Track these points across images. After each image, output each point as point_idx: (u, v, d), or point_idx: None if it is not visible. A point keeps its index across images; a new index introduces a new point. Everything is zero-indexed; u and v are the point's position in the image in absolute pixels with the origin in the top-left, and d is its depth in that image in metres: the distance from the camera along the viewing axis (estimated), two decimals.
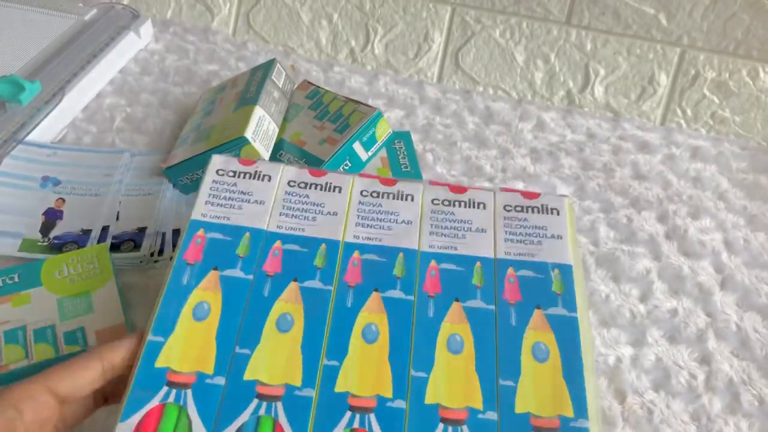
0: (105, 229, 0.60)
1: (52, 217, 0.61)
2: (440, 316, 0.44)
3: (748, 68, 0.76)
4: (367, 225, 0.49)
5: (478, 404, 0.40)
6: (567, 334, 0.43)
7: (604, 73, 0.80)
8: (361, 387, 0.40)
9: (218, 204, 0.49)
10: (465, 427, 0.39)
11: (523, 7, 0.80)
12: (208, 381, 0.40)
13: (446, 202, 0.50)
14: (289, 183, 0.51)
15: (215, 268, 0.45)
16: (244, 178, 0.51)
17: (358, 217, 0.49)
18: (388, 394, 0.40)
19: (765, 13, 0.73)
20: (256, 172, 0.51)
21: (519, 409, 0.40)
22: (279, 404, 0.39)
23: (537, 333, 0.43)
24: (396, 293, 0.45)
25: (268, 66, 0.70)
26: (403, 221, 0.49)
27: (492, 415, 0.40)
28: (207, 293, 0.44)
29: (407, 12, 0.85)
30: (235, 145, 0.60)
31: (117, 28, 0.83)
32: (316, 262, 0.46)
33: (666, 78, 0.78)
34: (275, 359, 0.41)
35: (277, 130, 0.65)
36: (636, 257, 0.62)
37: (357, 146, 0.62)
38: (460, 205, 0.50)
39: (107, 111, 0.75)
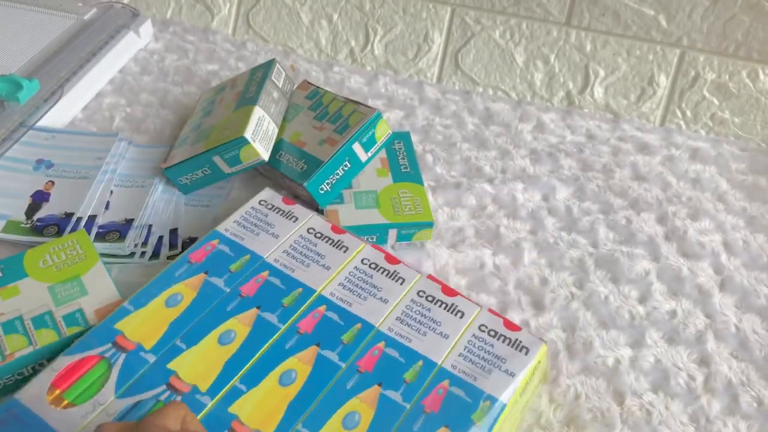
0: (92, 218, 0.60)
1: (39, 199, 0.62)
2: (356, 392, 0.45)
3: (747, 70, 0.76)
4: (349, 288, 0.52)
5: None
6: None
7: (603, 74, 0.80)
8: (249, 417, 0.43)
9: (243, 226, 0.55)
10: None
11: (522, 8, 0.80)
12: (141, 354, 0.46)
13: (430, 299, 0.52)
14: (308, 230, 0.56)
15: (205, 273, 0.51)
16: (277, 213, 0.57)
17: (345, 279, 0.52)
18: None
19: (765, 15, 0.73)
20: (289, 211, 0.57)
21: None
22: (179, 398, 0.44)
23: None
24: (332, 355, 0.47)
25: (267, 66, 0.70)
26: (381, 298, 0.51)
27: None
28: (186, 288, 0.50)
29: (407, 12, 0.84)
30: (235, 145, 0.60)
31: (116, 26, 0.83)
32: (285, 300, 0.50)
33: (666, 79, 0.78)
34: (200, 363, 0.46)
35: (276, 130, 0.65)
36: (635, 258, 0.62)
37: (357, 147, 0.62)
38: (441, 306, 0.51)
39: (107, 110, 0.75)
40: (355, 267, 0.53)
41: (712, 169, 0.72)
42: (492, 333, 0.50)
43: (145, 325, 0.48)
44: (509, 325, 0.50)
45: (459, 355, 0.48)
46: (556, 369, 0.53)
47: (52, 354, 0.48)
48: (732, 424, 0.50)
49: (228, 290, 0.50)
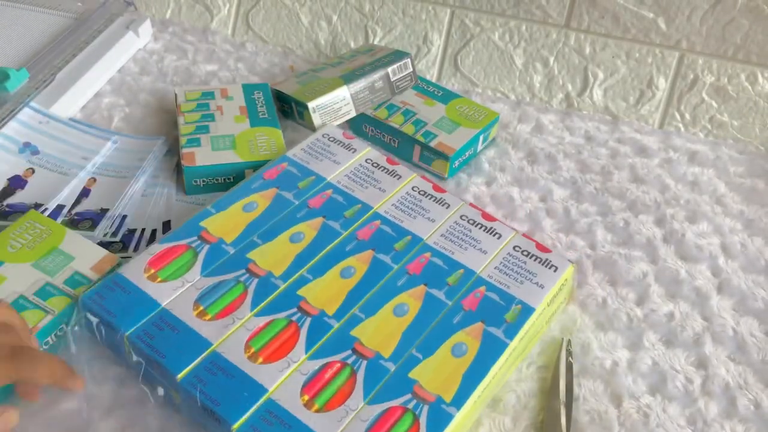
0: (60, 207, 0.61)
1: (15, 184, 0.62)
2: (404, 288, 0.53)
3: (746, 73, 0.76)
4: (400, 209, 0.59)
5: (386, 353, 0.48)
6: (491, 350, 0.49)
7: (602, 77, 0.80)
8: (315, 298, 0.51)
9: (309, 153, 0.63)
10: (365, 363, 0.47)
11: (522, 10, 0.80)
12: (223, 246, 0.54)
13: (471, 221, 0.59)
14: (366, 160, 0.63)
15: (277, 187, 0.59)
16: (338, 145, 0.64)
17: (397, 201, 0.60)
18: (331, 311, 0.50)
19: (764, 18, 0.73)
20: (349, 144, 0.65)
21: (412, 374, 0.47)
22: (256, 281, 0.52)
23: (467, 337, 0.50)
24: (385, 258, 0.55)
25: (398, 56, 0.74)
26: (428, 218, 0.58)
27: (390, 366, 0.47)
28: (261, 198, 0.58)
29: (406, 14, 0.85)
30: (301, 106, 0.70)
31: (110, 15, 0.84)
32: (347, 213, 0.58)
33: (665, 82, 0.78)
34: (275, 254, 0.54)
35: (354, 114, 0.72)
36: (633, 261, 0.62)
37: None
38: (481, 228, 0.58)
39: (105, 110, 0.75)
40: (407, 192, 0.61)
41: (710, 171, 0.72)
42: (525, 252, 0.56)
43: (225, 224, 0.55)
44: (541, 247, 0.57)
45: (495, 268, 0.55)
46: (555, 371, 0.53)
47: (71, 316, 0.50)
48: (729, 427, 0.50)
49: (297, 202, 0.58)
